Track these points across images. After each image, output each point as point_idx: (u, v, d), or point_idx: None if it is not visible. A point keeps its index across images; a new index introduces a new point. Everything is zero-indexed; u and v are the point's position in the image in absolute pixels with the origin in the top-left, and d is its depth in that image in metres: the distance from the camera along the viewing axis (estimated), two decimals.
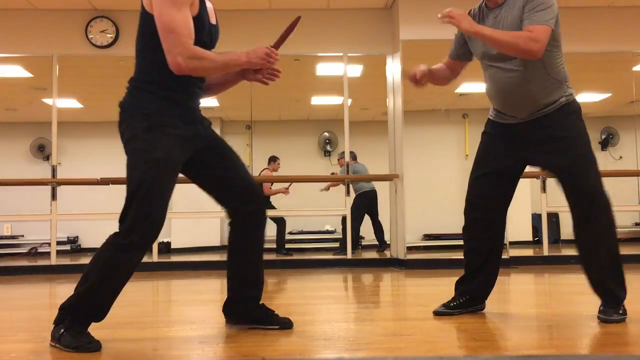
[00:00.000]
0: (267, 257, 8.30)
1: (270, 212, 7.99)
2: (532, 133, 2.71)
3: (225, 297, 2.62)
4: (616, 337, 2.43)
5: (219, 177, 2.54)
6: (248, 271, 2.59)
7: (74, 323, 2.29)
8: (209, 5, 2.42)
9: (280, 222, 7.98)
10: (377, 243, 8.09)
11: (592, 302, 2.74)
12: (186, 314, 3.47)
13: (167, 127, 2.31)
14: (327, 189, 8.11)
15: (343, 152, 7.30)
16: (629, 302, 2.67)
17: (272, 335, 2.59)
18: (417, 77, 2.87)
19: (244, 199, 2.54)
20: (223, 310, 2.64)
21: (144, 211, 2.26)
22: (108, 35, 6.56)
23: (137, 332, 2.71)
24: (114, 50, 6.61)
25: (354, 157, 7.76)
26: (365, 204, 7.80)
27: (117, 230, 2.31)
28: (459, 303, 2.89)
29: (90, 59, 6.87)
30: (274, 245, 8.14)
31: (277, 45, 2.48)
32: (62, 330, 2.27)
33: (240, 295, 2.59)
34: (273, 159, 8.33)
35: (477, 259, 2.91)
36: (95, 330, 2.79)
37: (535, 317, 3.08)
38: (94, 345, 2.25)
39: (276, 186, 8.17)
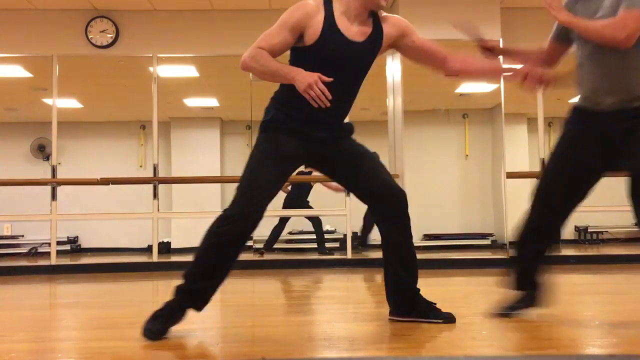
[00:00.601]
0: (268, 257, 8.24)
1: (276, 213, 8.04)
2: (620, 125, 2.55)
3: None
4: (616, 337, 2.43)
5: (351, 182, 2.71)
6: (403, 266, 2.67)
7: (171, 303, 2.49)
8: (354, 28, 2.55)
9: (315, 221, 7.92)
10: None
11: (592, 302, 2.74)
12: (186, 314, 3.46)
13: (279, 129, 2.54)
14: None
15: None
16: (630, 302, 2.67)
17: (272, 335, 2.59)
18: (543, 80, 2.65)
19: (380, 200, 2.65)
20: (388, 301, 2.72)
21: (242, 194, 2.49)
22: (108, 35, 6.56)
23: (137, 332, 2.70)
24: (114, 50, 6.61)
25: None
26: None
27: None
28: (522, 304, 2.82)
29: (90, 59, 6.87)
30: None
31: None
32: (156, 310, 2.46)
33: (399, 289, 2.68)
34: None
35: (536, 266, 2.81)
36: (95, 330, 2.79)
37: (536, 317, 3.08)
38: (152, 335, 2.37)
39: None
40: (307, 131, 2.54)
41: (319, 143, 2.58)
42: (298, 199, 7.78)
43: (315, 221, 7.88)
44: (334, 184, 7.81)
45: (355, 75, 2.66)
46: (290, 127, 2.54)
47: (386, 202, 2.63)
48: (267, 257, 7.64)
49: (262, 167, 2.52)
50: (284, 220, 8.01)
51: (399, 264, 2.66)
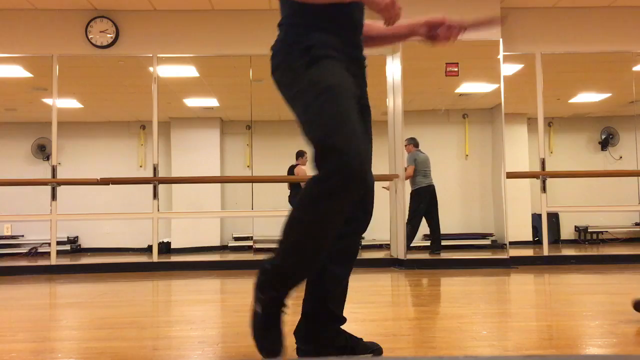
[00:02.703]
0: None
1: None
2: None
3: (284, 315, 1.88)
4: (616, 337, 2.43)
5: None
6: (336, 284, 2.02)
7: (273, 299, 1.82)
8: None
9: None
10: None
11: (592, 302, 2.73)
12: (186, 314, 3.47)
13: (332, 58, 1.95)
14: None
15: (411, 138, 7.07)
16: (630, 303, 2.67)
17: None
18: None
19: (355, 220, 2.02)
20: (295, 334, 1.99)
21: (339, 143, 1.77)
22: (108, 35, 6.56)
23: (137, 332, 2.71)
24: (114, 50, 6.61)
25: (415, 144, 7.31)
26: (425, 201, 7.20)
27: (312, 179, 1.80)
28: None
29: (90, 59, 6.87)
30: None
31: (466, 26, 2.20)
32: (258, 310, 1.83)
33: (321, 313, 1.99)
34: (301, 154, 8.27)
35: None
36: (95, 330, 2.79)
37: (535, 317, 3.08)
38: (274, 350, 1.81)
39: None
40: (353, 61, 2.09)
41: (359, 84, 2.11)
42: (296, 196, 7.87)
43: None
44: None
45: None
46: (343, 52, 2.02)
47: (362, 204, 2.01)
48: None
49: (347, 111, 1.85)
50: None
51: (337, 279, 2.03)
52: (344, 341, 2.01)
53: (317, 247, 1.84)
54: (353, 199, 1.80)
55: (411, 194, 7.18)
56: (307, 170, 8.13)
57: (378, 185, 7.86)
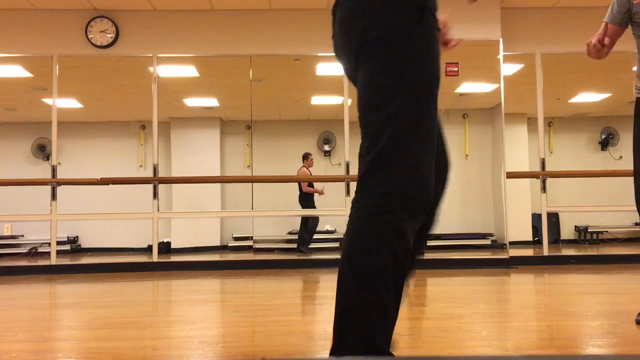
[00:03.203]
0: (267, 257, 8.24)
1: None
2: None
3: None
4: (616, 337, 2.43)
5: None
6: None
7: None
8: None
9: (304, 220, 8.00)
10: None
11: (592, 302, 2.73)
12: (186, 314, 3.47)
13: (435, 37, 1.54)
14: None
15: None
16: (630, 302, 2.67)
17: (272, 335, 2.59)
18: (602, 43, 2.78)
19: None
20: None
21: (419, 151, 1.44)
22: (108, 35, 6.56)
23: (137, 332, 2.71)
24: (114, 50, 6.61)
25: None
26: None
27: (364, 196, 1.47)
28: None
29: (90, 59, 6.87)
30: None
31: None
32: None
33: None
34: (306, 156, 8.30)
35: None
36: (95, 330, 2.79)
37: (535, 317, 3.08)
38: None
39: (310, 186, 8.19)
40: None
41: None
42: (305, 198, 7.97)
43: (304, 220, 7.98)
44: (319, 187, 7.97)
45: None
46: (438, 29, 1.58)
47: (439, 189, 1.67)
48: (267, 257, 7.65)
49: (435, 117, 1.51)
50: (306, 220, 8.09)
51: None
52: None
53: (394, 293, 1.53)
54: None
55: None
56: (311, 172, 8.16)
57: None
